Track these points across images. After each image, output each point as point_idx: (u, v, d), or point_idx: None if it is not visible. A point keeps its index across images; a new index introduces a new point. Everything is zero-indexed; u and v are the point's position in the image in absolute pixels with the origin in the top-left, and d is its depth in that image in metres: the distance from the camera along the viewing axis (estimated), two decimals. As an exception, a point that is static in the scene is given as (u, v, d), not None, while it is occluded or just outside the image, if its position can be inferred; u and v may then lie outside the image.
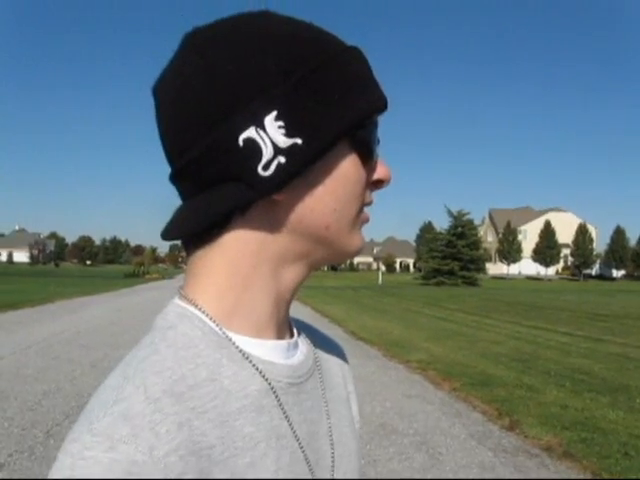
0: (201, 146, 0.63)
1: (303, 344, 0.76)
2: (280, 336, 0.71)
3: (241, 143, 0.61)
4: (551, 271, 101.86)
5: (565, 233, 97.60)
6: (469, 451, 6.08)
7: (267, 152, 0.61)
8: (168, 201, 0.71)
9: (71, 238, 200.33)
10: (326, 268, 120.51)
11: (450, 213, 69.75)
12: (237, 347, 0.65)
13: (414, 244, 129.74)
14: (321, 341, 0.84)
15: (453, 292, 43.08)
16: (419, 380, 9.61)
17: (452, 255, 65.60)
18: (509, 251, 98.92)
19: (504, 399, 8.20)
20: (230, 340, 0.65)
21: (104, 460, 0.52)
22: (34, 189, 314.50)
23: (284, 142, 0.61)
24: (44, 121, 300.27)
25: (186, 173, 0.65)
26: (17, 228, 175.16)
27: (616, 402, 8.17)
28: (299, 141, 0.61)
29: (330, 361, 0.84)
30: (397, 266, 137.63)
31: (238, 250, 0.66)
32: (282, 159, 0.61)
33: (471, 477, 5.38)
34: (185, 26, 0.68)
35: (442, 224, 74.48)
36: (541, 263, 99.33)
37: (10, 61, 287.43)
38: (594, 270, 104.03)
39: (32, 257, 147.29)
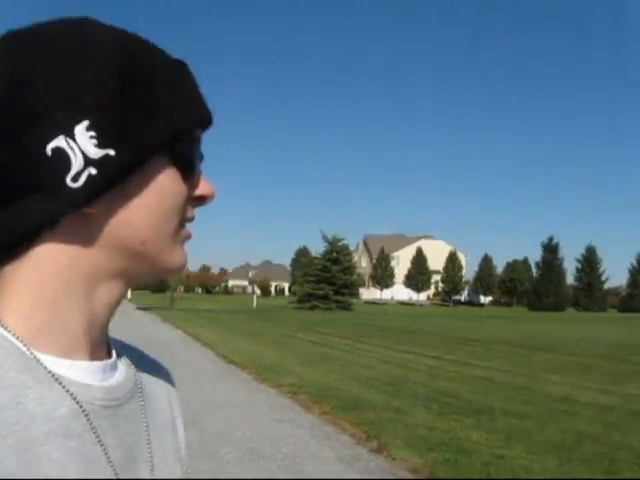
0: (8, 155, 0.59)
1: (123, 366, 0.71)
2: (95, 357, 0.66)
3: (49, 152, 0.58)
4: (422, 296, 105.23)
5: (436, 260, 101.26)
6: (337, 474, 6.06)
7: (77, 163, 0.58)
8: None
9: None
10: (200, 291, 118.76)
11: (325, 238, 70.64)
12: (45, 368, 0.60)
13: (290, 268, 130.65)
14: (146, 364, 0.80)
15: (327, 316, 43.50)
16: (290, 404, 9.57)
17: (327, 279, 66.38)
18: (382, 276, 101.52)
19: (373, 422, 8.29)
20: (38, 361, 0.60)
21: None
22: None
23: (95, 153, 0.59)
24: None
25: None
26: None
27: (480, 423, 8.45)
28: (112, 152, 0.59)
29: (155, 384, 0.79)
30: (272, 290, 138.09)
31: (48, 266, 0.62)
32: (93, 170, 0.58)
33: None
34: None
35: (317, 249, 75.39)
36: (413, 289, 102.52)
37: None
38: (463, 296, 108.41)
39: None
